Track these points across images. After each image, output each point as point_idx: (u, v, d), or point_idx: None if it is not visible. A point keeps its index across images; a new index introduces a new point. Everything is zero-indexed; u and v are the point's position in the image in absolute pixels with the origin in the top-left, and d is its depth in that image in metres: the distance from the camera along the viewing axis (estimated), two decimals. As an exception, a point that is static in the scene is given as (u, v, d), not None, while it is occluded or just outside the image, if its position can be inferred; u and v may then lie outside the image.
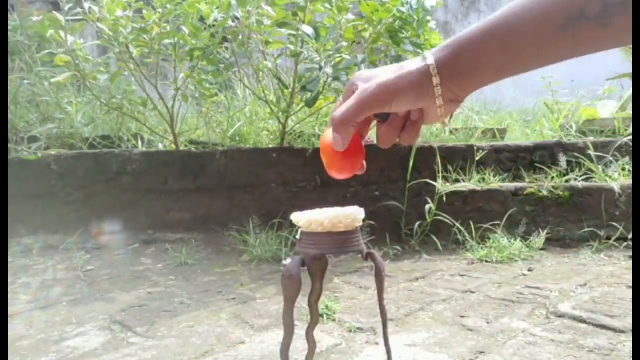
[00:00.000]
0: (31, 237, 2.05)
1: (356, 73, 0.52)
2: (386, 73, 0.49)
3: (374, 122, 0.56)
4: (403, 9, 1.76)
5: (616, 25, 0.40)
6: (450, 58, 0.46)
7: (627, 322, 1.10)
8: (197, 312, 1.28)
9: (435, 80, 0.47)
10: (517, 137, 2.76)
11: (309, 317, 0.67)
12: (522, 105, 3.81)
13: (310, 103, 1.81)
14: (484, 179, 2.07)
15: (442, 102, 0.48)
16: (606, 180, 1.96)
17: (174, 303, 1.36)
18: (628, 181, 1.93)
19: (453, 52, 0.46)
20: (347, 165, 0.55)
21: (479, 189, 1.98)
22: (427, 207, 1.90)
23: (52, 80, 2.14)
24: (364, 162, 0.56)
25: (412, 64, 0.48)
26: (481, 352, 1.00)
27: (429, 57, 0.47)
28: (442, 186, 1.94)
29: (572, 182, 1.98)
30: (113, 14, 1.86)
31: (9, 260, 1.84)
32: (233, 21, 1.88)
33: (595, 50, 0.43)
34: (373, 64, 1.96)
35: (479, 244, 1.84)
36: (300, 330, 0.97)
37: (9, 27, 2.74)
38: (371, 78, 0.50)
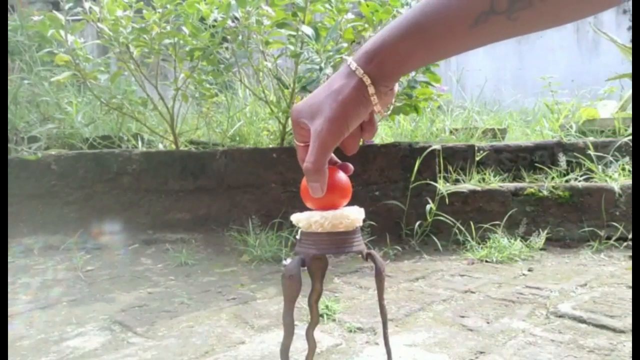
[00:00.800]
0: (31, 237, 2.05)
1: (294, 110, 0.53)
2: (326, 103, 0.50)
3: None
4: (402, 11, 1.76)
5: (523, 18, 0.44)
6: (379, 67, 0.49)
7: (627, 322, 1.10)
8: (197, 312, 1.28)
9: (371, 89, 0.49)
10: (517, 137, 2.76)
11: (309, 317, 0.67)
12: (522, 105, 3.82)
13: (310, 103, 1.81)
14: (484, 179, 2.07)
15: (379, 101, 0.51)
16: (606, 180, 1.96)
17: (174, 303, 1.36)
18: (628, 181, 1.93)
19: (381, 60, 0.49)
20: (338, 195, 0.57)
21: (479, 189, 1.98)
22: (428, 207, 1.90)
23: (53, 79, 2.14)
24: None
25: (344, 82, 0.50)
26: (481, 352, 1.00)
27: (358, 70, 0.49)
28: (443, 186, 1.94)
29: (572, 182, 1.98)
30: (113, 14, 1.86)
31: (9, 260, 1.84)
32: (233, 21, 1.88)
33: (506, 38, 0.47)
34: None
35: (479, 244, 1.84)
36: (300, 330, 0.97)
37: (9, 27, 2.74)
38: (315, 113, 0.51)
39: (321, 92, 0.52)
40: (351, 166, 0.59)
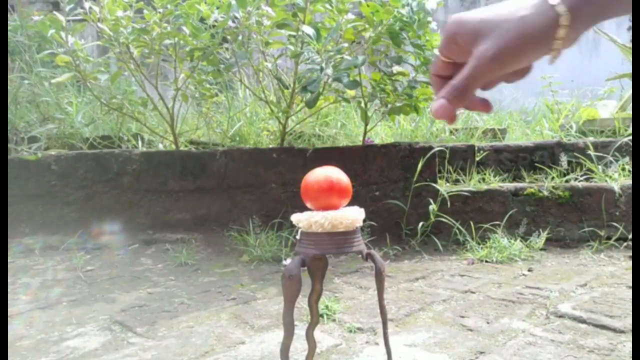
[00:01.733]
0: (31, 237, 2.05)
1: (456, 20, 0.45)
2: (503, 28, 0.42)
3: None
4: (403, 11, 1.76)
5: None
6: (585, 5, 0.41)
7: (627, 322, 1.10)
8: (197, 312, 1.28)
9: (562, 32, 0.41)
10: (517, 137, 2.76)
11: (309, 317, 0.67)
12: (522, 105, 3.82)
13: (310, 104, 1.82)
14: (484, 179, 2.07)
15: (561, 46, 0.42)
16: (606, 180, 1.96)
17: (174, 303, 1.36)
18: (628, 181, 1.93)
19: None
20: (338, 196, 0.57)
21: (479, 189, 1.98)
22: (430, 207, 1.90)
23: (53, 81, 2.14)
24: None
25: (534, 12, 0.41)
26: (481, 352, 1.00)
27: (559, 5, 0.40)
28: (443, 186, 1.94)
29: (572, 182, 1.98)
30: (113, 14, 1.86)
31: (9, 260, 1.84)
32: (233, 22, 1.88)
33: None
34: (373, 64, 1.96)
35: (479, 244, 1.84)
36: (300, 330, 0.97)
37: (9, 27, 2.74)
38: (484, 33, 0.43)
39: (499, 12, 0.43)
40: (490, 103, 0.50)
